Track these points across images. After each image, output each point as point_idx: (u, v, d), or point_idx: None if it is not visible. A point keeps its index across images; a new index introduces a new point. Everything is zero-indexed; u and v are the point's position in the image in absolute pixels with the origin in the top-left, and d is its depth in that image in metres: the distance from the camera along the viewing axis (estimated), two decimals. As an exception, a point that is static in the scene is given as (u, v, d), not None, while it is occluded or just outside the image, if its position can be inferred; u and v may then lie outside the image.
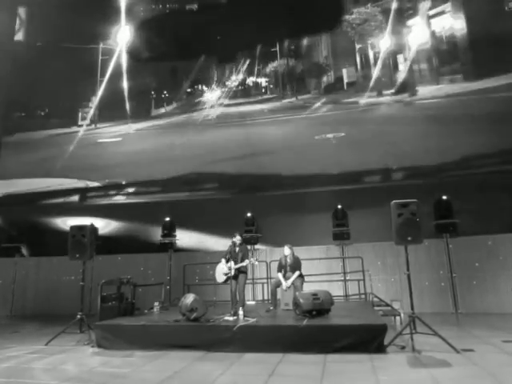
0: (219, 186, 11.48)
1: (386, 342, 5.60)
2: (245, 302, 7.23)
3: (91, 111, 13.08)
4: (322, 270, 9.74)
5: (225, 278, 7.00)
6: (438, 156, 10.08)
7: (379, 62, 10.95)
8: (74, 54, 12.74)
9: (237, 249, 7.01)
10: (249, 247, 8.90)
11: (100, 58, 13.03)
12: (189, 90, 13.12)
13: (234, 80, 12.57)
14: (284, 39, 12.23)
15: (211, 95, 12.79)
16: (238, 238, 7.05)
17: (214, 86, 12.76)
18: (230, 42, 11.92)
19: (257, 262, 7.04)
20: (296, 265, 7.63)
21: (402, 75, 10.95)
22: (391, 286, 9.76)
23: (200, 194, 11.69)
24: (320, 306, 6.48)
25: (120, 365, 5.49)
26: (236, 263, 6.91)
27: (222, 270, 7.05)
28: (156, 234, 11.24)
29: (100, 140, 12.91)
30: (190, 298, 6.59)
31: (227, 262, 7.03)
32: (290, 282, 7.49)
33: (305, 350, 5.59)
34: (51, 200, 12.42)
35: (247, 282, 7.50)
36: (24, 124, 13.63)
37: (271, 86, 12.62)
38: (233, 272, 6.90)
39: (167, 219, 11.08)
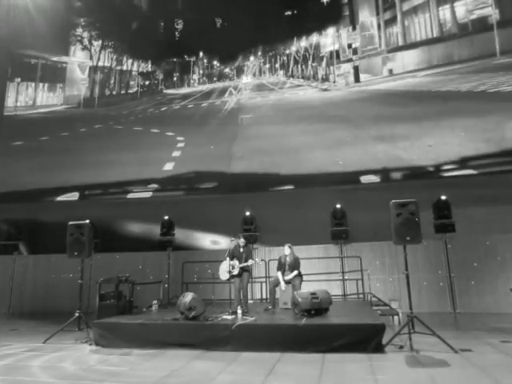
0: (218, 184, 11.47)
1: (384, 342, 5.60)
2: (248, 299, 7.60)
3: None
4: (320, 270, 9.74)
5: (228, 276, 7.32)
6: (438, 156, 10.09)
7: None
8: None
9: (241, 249, 7.41)
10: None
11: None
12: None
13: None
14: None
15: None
16: (242, 241, 7.50)
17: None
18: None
19: (261, 262, 7.40)
20: (295, 264, 7.66)
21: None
22: (390, 285, 9.76)
23: (199, 192, 11.68)
24: (318, 305, 6.49)
25: (118, 363, 5.49)
26: (240, 263, 7.29)
27: (226, 268, 7.34)
28: (155, 232, 11.23)
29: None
30: (188, 297, 6.59)
31: (231, 260, 7.34)
32: (288, 278, 7.51)
33: (303, 349, 5.59)
34: (50, 197, 12.39)
35: (247, 280, 7.64)
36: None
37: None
38: (237, 271, 7.26)
39: (166, 218, 11.06)
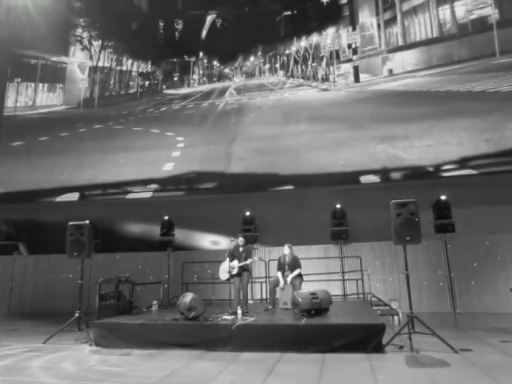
0: (218, 184, 11.47)
1: (384, 342, 5.60)
2: (248, 299, 7.63)
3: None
4: (320, 270, 9.75)
5: (228, 275, 7.33)
6: (438, 156, 10.09)
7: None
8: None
9: (241, 249, 7.43)
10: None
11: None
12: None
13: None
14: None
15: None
16: (241, 240, 7.52)
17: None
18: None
19: (260, 261, 7.43)
20: (295, 264, 7.67)
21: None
22: (390, 285, 9.76)
23: (199, 192, 11.68)
24: (318, 306, 6.48)
25: (118, 363, 5.48)
26: (240, 262, 7.30)
27: (226, 268, 7.35)
28: (155, 232, 11.23)
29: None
30: (188, 297, 6.59)
31: (231, 261, 7.36)
32: (289, 278, 7.51)
33: (303, 349, 5.59)
34: (50, 198, 12.39)
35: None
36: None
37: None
38: (236, 270, 7.29)
39: (166, 218, 11.06)
